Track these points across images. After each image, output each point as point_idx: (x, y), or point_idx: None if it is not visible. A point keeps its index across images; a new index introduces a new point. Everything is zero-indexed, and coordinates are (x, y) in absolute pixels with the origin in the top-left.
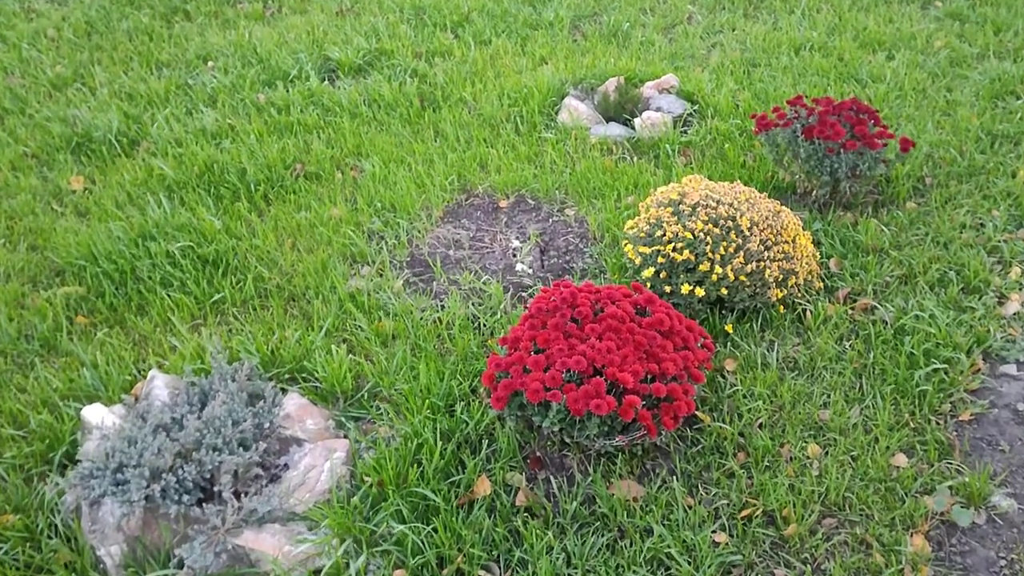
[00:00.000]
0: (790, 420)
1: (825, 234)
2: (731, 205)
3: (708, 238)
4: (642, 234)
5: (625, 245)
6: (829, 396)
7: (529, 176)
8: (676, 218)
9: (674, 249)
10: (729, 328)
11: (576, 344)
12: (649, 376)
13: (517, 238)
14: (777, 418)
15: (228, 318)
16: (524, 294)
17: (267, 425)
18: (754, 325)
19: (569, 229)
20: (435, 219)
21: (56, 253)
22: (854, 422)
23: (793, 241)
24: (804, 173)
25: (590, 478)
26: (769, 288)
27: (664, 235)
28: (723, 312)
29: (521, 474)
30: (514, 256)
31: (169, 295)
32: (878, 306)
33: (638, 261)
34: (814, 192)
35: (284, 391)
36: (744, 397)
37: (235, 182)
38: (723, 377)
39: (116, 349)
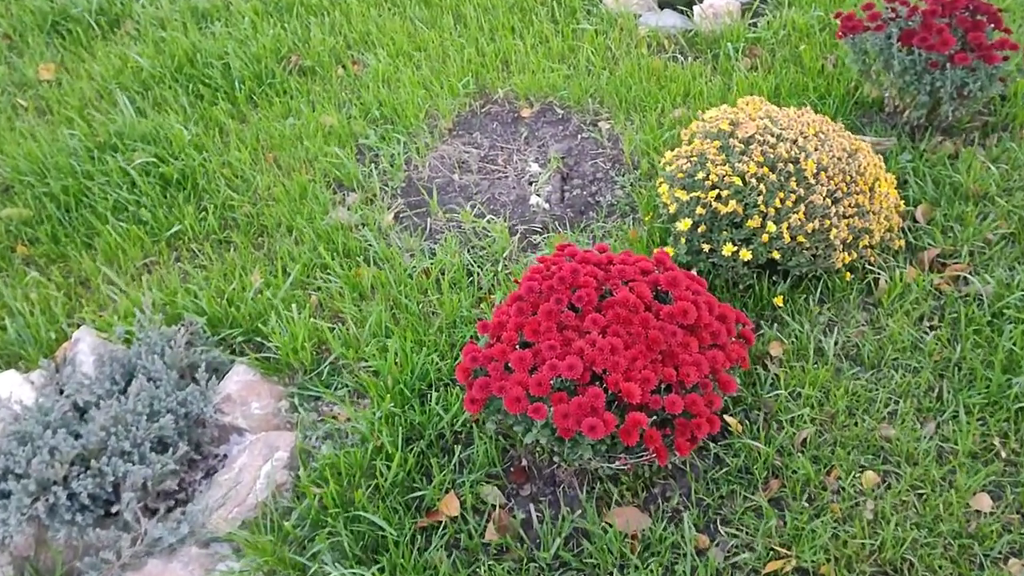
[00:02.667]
0: (843, 436)
1: (914, 171)
2: (794, 142)
3: (761, 185)
4: (681, 173)
5: (660, 184)
6: (897, 404)
7: (559, 79)
8: (724, 156)
9: (718, 198)
10: (779, 301)
11: (573, 339)
12: (663, 384)
13: (537, 160)
14: (826, 432)
15: (185, 256)
16: (536, 237)
17: (197, 413)
18: (811, 297)
19: (600, 150)
20: (442, 132)
21: (5, 163)
22: (926, 445)
23: (871, 190)
24: (896, 89)
25: (579, 510)
26: (834, 251)
27: (707, 178)
28: (774, 278)
29: (501, 489)
30: (530, 184)
31: (121, 224)
32: (973, 277)
33: (672, 208)
34: (906, 113)
35: (233, 361)
36: (788, 398)
37: (218, 78)
38: (765, 367)
39: (53, 294)
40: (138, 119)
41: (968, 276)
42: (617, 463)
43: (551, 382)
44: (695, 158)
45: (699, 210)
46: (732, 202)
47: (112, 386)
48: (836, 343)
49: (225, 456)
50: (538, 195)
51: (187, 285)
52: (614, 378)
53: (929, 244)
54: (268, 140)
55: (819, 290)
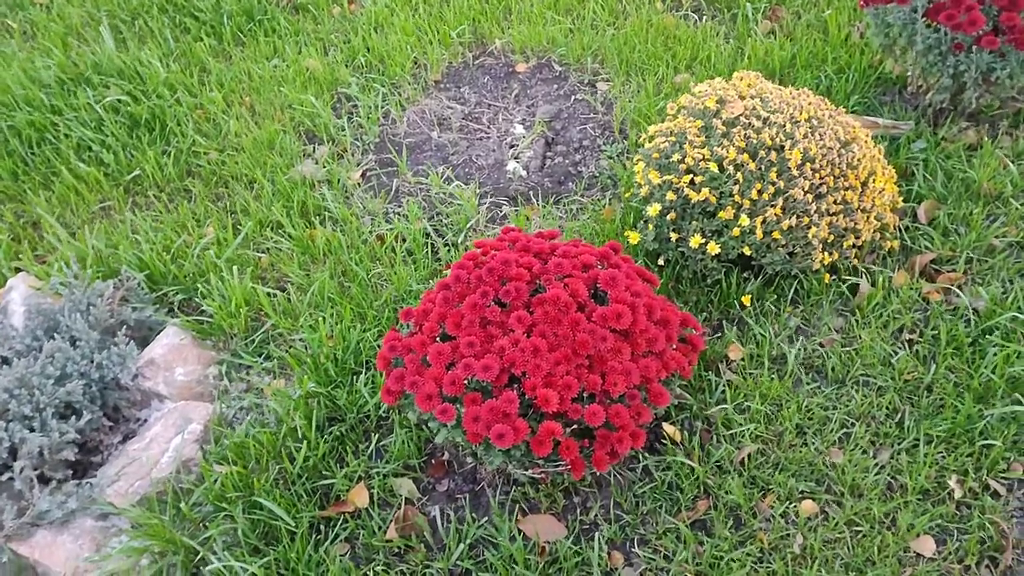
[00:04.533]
0: (787, 458)
1: (925, 163)
2: (782, 128)
3: (739, 174)
4: (657, 152)
5: (636, 161)
6: (853, 427)
7: (561, 33)
8: (704, 137)
9: (691, 184)
10: (746, 300)
11: (496, 336)
12: (588, 393)
13: (523, 121)
14: (770, 451)
15: (141, 203)
16: (506, 207)
17: (112, 377)
18: (783, 297)
19: (592, 114)
20: (428, 84)
21: None
22: (875, 476)
23: (864, 185)
24: (920, 69)
25: (487, 514)
26: (813, 250)
27: (682, 161)
28: (746, 274)
29: (417, 482)
30: (512, 148)
31: (81, 166)
32: (964, 289)
33: (644, 191)
34: (929, 94)
35: (165, 322)
36: (735, 411)
37: (208, 11)
38: (718, 372)
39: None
40: (118, 51)
41: (961, 286)
42: (531, 471)
43: (466, 381)
44: (674, 137)
45: (670, 195)
46: (705, 190)
47: (34, 342)
48: (800, 352)
49: (145, 421)
50: (517, 160)
51: (135, 235)
52: (532, 382)
53: (926, 247)
54: (247, 82)
55: (792, 290)
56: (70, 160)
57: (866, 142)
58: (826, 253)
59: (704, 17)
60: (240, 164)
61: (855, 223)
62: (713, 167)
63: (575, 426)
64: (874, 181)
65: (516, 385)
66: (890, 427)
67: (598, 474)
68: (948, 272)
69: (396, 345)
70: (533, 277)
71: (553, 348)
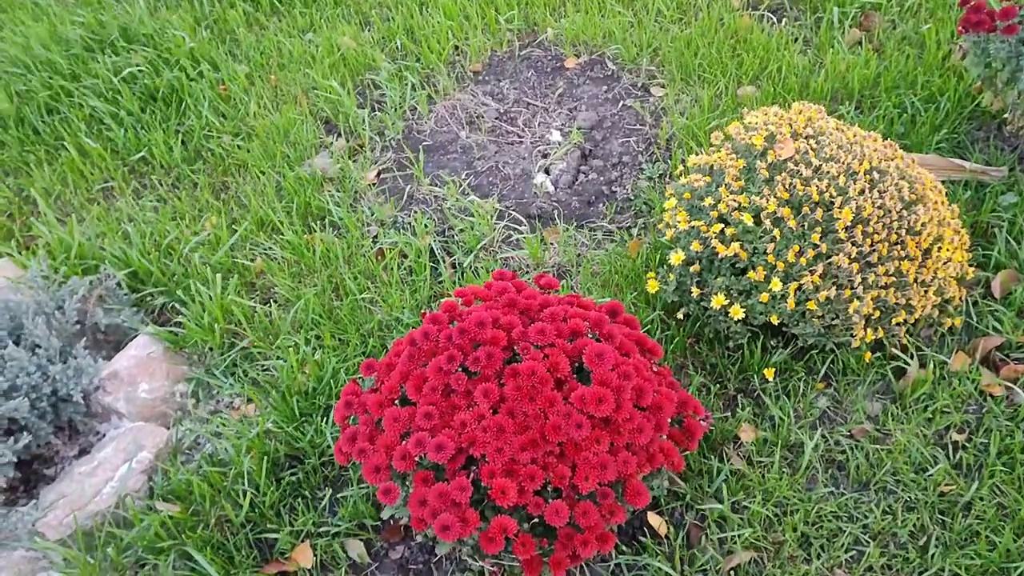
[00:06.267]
0: (784, 573)
1: (1012, 223)
2: (835, 180)
3: (776, 230)
4: (688, 193)
5: (668, 196)
6: (866, 547)
7: (620, 27)
8: (743, 181)
9: (721, 234)
10: (769, 374)
11: (460, 408)
12: (551, 486)
13: (562, 127)
14: (766, 564)
15: (145, 186)
16: (524, 228)
17: (65, 394)
18: (814, 372)
19: (638, 125)
20: (466, 75)
21: (5, 49)
22: None
23: (925, 254)
24: (1022, 109)
25: None
26: (854, 325)
27: (715, 207)
28: (775, 341)
29: (368, 545)
30: (544, 158)
31: (89, 141)
32: None
33: (669, 234)
34: None
35: (137, 330)
36: (734, 508)
37: None
38: (723, 457)
39: None
40: (149, 14)
41: None
42: (482, 564)
43: (417, 459)
44: (710, 177)
45: (695, 245)
46: (736, 244)
47: None
48: (822, 442)
49: (104, 436)
50: (547, 173)
51: (129, 223)
52: (491, 468)
53: (994, 328)
54: (276, 57)
55: (828, 363)
56: (79, 133)
57: (936, 203)
58: (869, 330)
59: (784, 20)
60: (251, 153)
61: (908, 298)
62: (748, 219)
63: (536, 520)
64: (939, 250)
65: (475, 467)
66: (912, 552)
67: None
68: (1016, 364)
69: (353, 401)
70: (511, 342)
71: (521, 430)
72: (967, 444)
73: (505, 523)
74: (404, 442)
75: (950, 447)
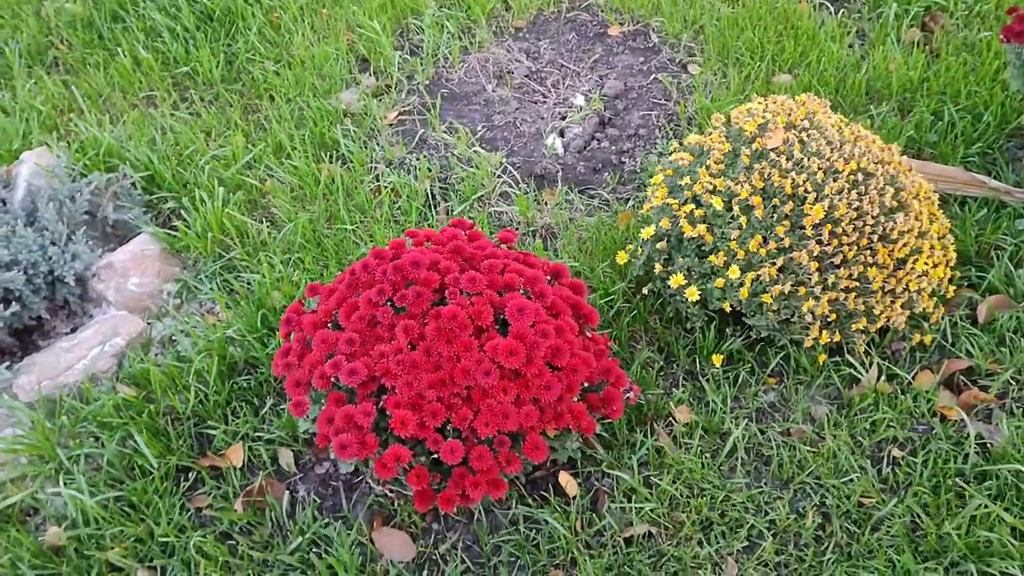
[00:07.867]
0: (675, 553)
1: (1018, 248)
2: (814, 175)
3: (744, 217)
4: (670, 170)
5: (656, 173)
6: (765, 541)
7: (669, 1)
8: (723, 165)
9: (690, 215)
10: (717, 360)
11: (382, 339)
12: (452, 426)
13: (588, 91)
14: (662, 540)
15: (185, 99)
16: (514, 188)
17: (59, 275)
18: (765, 365)
19: (664, 100)
20: (506, 30)
21: None
22: None
23: (900, 263)
24: None
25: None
26: (809, 326)
27: (690, 187)
28: (732, 328)
29: (298, 456)
30: (563, 119)
31: (143, 52)
32: (992, 415)
33: (646, 208)
34: None
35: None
36: (644, 483)
37: None
38: (651, 431)
39: (40, 106)
40: None
41: (993, 410)
42: (380, 488)
43: (333, 380)
44: (694, 157)
45: (664, 223)
46: (702, 227)
47: (15, 221)
48: (752, 435)
49: (91, 317)
50: (561, 135)
51: (155, 133)
52: (396, 399)
53: (967, 351)
54: None
55: (778, 357)
56: (136, 42)
57: (920, 213)
58: (825, 332)
59: (840, 12)
60: (286, 81)
61: (870, 305)
62: (718, 203)
63: (435, 456)
64: (916, 262)
65: (372, 399)
66: (809, 554)
67: (468, 508)
68: (979, 391)
69: (293, 319)
70: (443, 286)
71: (433, 369)
72: (901, 462)
73: (399, 452)
74: (328, 361)
75: (885, 461)
